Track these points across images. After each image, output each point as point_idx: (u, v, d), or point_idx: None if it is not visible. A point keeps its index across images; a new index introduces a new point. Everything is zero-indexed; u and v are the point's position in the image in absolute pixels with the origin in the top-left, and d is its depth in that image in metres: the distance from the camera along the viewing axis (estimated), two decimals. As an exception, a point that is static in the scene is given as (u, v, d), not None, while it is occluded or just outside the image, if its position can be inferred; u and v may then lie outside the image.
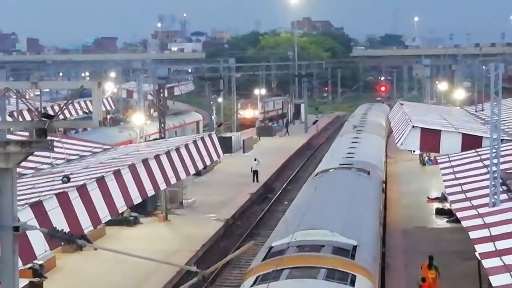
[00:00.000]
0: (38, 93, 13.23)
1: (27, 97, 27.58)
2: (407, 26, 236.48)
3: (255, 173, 54.26)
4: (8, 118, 52.61)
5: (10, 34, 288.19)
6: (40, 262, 28.08)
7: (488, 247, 18.73)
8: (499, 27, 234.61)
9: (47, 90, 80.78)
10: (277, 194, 50.50)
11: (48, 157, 32.08)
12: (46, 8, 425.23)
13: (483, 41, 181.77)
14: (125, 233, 37.64)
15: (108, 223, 33.34)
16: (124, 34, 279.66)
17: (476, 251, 19.10)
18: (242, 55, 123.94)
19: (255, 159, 57.13)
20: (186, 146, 37.93)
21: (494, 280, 16.07)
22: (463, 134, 40.15)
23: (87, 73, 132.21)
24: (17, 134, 29.87)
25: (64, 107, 15.16)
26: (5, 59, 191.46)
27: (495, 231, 20.06)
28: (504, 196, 23.66)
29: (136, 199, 29.76)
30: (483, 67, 72.24)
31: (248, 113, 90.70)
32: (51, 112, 10.55)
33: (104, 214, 26.22)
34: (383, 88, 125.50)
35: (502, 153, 25.57)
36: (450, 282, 27.47)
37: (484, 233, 20.23)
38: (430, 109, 63.49)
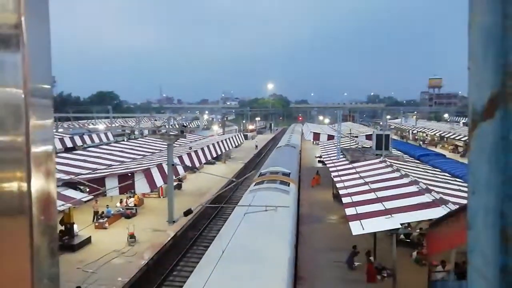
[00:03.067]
0: (181, 118, 13.34)
1: (177, 119, 27.72)
2: (310, 95, 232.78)
3: (257, 146, 54.05)
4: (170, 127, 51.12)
5: (171, 97, 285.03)
6: (181, 177, 28.08)
7: (336, 173, 18.71)
8: (343, 91, 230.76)
9: (184, 117, 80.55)
10: (263, 155, 50.32)
11: (183, 141, 32.15)
12: (181, 84, 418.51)
13: (338, 100, 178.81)
14: (210, 167, 37.04)
15: (204, 164, 33.26)
16: (210, 97, 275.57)
17: (331, 174, 19.19)
18: (251, 106, 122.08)
19: (256, 141, 57.06)
20: (231, 137, 37.83)
21: (338, 185, 16.14)
22: (328, 134, 40.07)
23: (197, 112, 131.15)
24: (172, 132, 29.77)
25: (190, 123, 15.16)
26: (168, 106, 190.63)
27: (338, 168, 20.01)
28: (341, 157, 23.68)
29: (214, 155, 29.66)
30: (335, 111, 72.01)
31: (251, 127, 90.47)
32: (185, 125, 10.62)
33: (203, 160, 26.20)
34: (300, 118, 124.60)
35: (341, 141, 25.52)
36: (321, 187, 27.45)
37: (334, 168, 20.27)
38: (317, 126, 63.20)
